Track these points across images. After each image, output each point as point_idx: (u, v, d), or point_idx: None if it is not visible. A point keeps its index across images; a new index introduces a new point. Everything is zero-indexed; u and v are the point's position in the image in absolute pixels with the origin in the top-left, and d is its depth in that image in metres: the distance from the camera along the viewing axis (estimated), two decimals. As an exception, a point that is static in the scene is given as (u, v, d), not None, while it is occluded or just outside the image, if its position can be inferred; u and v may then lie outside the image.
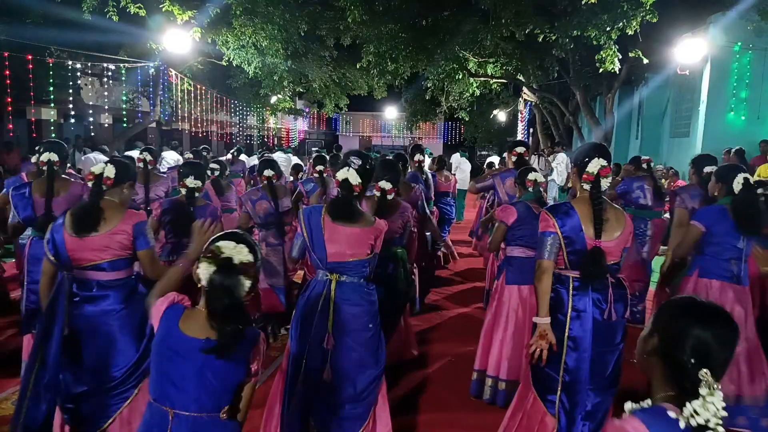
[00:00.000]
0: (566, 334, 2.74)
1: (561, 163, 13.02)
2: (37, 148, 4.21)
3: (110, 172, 2.99)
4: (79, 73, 12.23)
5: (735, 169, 3.77)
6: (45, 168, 3.95)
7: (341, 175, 2.90)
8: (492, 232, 4.23)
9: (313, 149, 25.98)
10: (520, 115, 22.39)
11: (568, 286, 2.77)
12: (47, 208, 3.84)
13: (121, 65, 11.82)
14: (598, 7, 8.98)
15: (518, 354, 3.81)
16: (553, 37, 10.40)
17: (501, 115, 23.71)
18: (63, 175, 4.09)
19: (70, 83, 11.18)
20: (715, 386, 1.35)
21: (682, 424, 1.35)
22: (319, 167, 5.70)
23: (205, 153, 9.57)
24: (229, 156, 10.69)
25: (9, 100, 10.19)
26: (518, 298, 3.89)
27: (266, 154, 11.03)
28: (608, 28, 9.21)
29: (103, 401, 2.83)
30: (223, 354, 1.81)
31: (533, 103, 17.78)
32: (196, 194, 4.16)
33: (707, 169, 4.49)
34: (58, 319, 2.78)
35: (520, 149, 5.16)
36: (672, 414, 1.37)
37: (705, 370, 1.36)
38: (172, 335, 1.85)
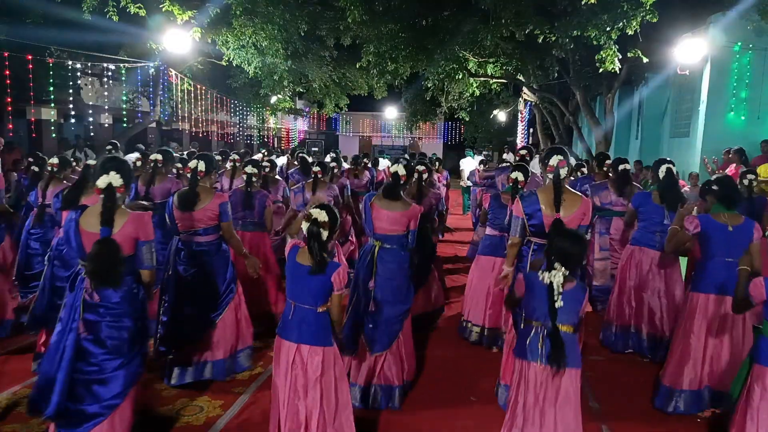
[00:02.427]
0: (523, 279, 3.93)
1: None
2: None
3: (202, 166, 4.30)
4: (79, 73, 12.22)
5: (661, 161, 5.07)
6: (152, 164, 5.57)
7: (393, 168, 4.21)
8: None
9: (313, 149, 26.02)
10: (520, 115, 22.38)
11: (530, 247, 3.88)
12: (146, 193, 5.41)
13: (121, 65, 11.82)
14: (598, 7, 8.98)
15: (484, 307, 5.20)
16: (553, 38, 10.40)
17: (501, 115, 23.71)
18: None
19: (70, 83, 11.17)
20: (562, 270, 2.90)
21: (541, 279, 2.95)
22: (317, 168, 6.48)
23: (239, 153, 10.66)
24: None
25: (9, 100, 10.19)
26: (491, 266, 5.15)
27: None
28: (608, 28, 9.21)
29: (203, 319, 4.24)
30: (315, 272, 2.99)
31: (533, 103, 17.77)
32: (254, 179, 5.53)
33: (621, 166, 5.92)
34: (171, 266, 4.26)
35: (524, 152, 6.42)
36: (539, 275, 2.98)
37: (558, 263, 2.91)
38: (292, 262, 3.08)
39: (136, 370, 3.12)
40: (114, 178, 3.03)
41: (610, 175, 6.29)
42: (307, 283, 3.02)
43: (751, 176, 5.65)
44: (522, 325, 3.26)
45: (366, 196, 4.29)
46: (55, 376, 3.00)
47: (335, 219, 3.04)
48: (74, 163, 7.16)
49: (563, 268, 2.90)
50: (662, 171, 4.92)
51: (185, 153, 11.54)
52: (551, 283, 2.91)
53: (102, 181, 3.00)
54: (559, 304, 2.91)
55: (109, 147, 6.36)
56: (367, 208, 4.13)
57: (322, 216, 2.99)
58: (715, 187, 4.13)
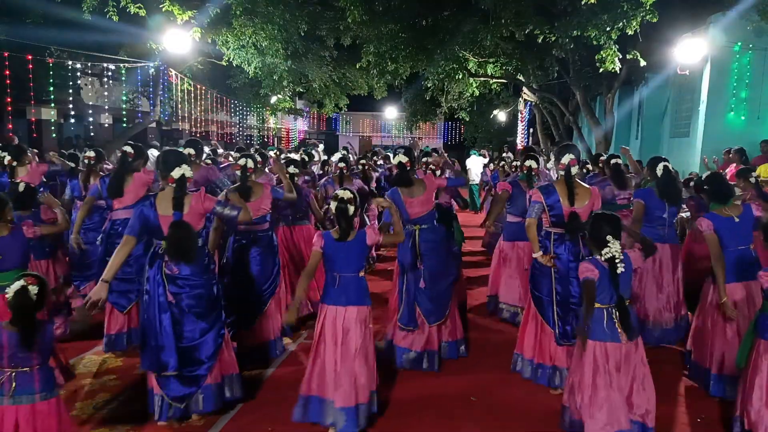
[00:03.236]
0: (552, 270, 4.18)
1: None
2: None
3: (251, 164, 4.77)
4: (79, 73, 12.23)
5: (657, 159, 5.23)
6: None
7: (396, 159, 4.64)
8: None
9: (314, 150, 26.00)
10: (520, 115, 22.39)
11: (551, 238, 4.23)
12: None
13: (121, 65, 11.83)
14: (598, 7, 8.98)
15: (513, 285, 5.71)
16: (553, 38, 10.40)
17: (501, 115, 23.69)
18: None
19: (70, 83, 11.19)
20: (614, 240, 3.27)
21: (602, 260, 3.31)
22: (342, 164, 7.11)
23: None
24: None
25: (9, 100, 10.19)
26: (513, 249, 5.73)
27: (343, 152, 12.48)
28: (608, 28, 9.21)
29: (256, 303, 4.74)
30: (344, 240, 3.58)
31: (533, 103, 17.78)
32: (296, 179, 5.93)
33: (613, 161, 6.19)
34: (227, 254, 4.77)
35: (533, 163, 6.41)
36: (597, 257, 3.36)
37: (609, 236, 3.28)
38: (331, 242, 3.60)
39: (219, 332, 3.73)
40: (186, 170, 3.62)
41: (606, 171, 6.47)
42: (349, 254, 3.62)
43: (755, 173, 5.64)
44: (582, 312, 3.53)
45: (389, 193, 4.71)
46: (161, 342, 3.56)
47: (356, 198, 3.69)
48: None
49: (617, 242, 3.29)
50: (660, 169, 5.07)
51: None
52: (612, 258, 3.27)
53: (176, 173, 3.59)
54: (621, 269, 3.27)
55: (125, 148, 6.77)
56: (400, 202, 4.56)
57: (347, 194, 3.63)
58: (706, 187, 4.40)
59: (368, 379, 3.62)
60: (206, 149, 7.97)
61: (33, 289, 2.75)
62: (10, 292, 2.75)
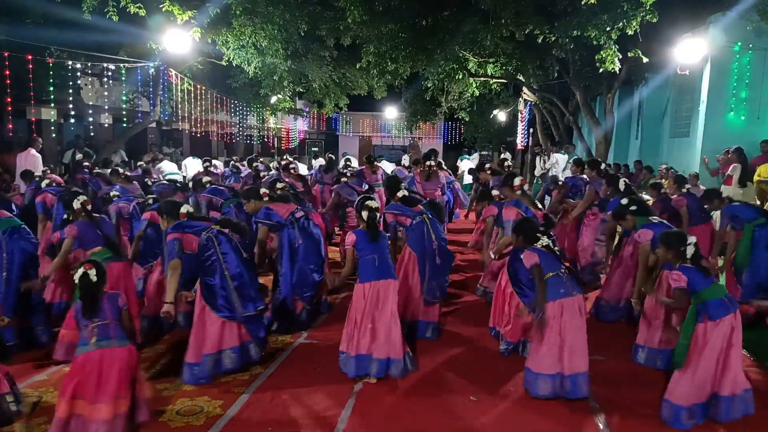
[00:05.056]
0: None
1: (555, 163, 13.14)
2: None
3: (299, 169, 6.20)
4: (79, 73, 12.22)
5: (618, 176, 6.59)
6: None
7: (427, 163, 6.91)
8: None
9: (313, 149, 26.05)
10: (520, 115, 22.36)
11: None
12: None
13: (121, 65, 11.82)
14: (598, 7, 8.98)
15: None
16: (553, 38, 10.40)
17: (501, 115, 23.66)
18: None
19: (70, 83, 11.18)
20: (542, 236, 4.48)
21: (539, 246, 4.40)
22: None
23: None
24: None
25: (9, 100, 10.19)
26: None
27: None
28: (608, 28, 9.21)
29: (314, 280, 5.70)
30: (374, 239, 4.58)
31: (533, 103, 17.77)
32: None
33: (602, 165, 7.46)
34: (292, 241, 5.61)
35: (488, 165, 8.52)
36: (535, 247, 4.43)
37: (538, 234, 4.49)
38: (360, 237, 4.60)
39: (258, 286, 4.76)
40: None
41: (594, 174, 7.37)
42: (379, 245, 4.57)
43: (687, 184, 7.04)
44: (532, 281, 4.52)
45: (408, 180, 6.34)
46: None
47: (378, 207, 4.73)
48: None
49: (544, 237, 4.43)
50: (621, 184, 6.28)
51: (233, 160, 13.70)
52: (547, 245, 4.38)
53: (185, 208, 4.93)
54: (557, 248, 4.49)
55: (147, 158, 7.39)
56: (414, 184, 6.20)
57: (373, 203, 4.66)
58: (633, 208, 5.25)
59: (399, 339, 4.49)
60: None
61: (92, 273, 3.57)
62: (76, 277, 3.60)
